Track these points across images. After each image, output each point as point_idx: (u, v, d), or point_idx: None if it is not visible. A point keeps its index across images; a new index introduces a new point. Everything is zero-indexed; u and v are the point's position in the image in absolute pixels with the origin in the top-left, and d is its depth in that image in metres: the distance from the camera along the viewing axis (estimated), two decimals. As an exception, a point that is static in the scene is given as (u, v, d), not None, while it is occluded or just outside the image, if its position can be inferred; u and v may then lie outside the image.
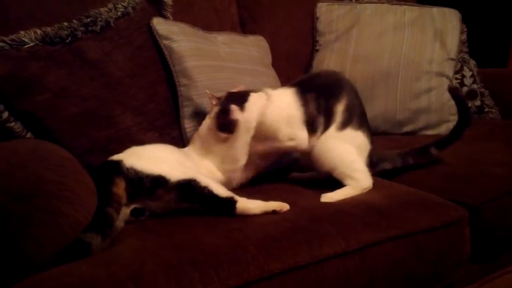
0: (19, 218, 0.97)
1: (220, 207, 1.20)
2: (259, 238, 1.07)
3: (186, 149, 1.48)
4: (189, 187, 1.20)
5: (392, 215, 1.21)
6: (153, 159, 1.27)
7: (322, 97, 1.36)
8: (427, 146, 1.51)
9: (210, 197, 1.20)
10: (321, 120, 1.36)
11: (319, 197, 1.30)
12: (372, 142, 1.41)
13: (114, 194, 1.14)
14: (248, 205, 1.20)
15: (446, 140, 1.50)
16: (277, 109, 1.37)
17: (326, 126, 1.36)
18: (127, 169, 1.19)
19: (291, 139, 1.37)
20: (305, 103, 1.36)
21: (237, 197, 1.21)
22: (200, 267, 0.96)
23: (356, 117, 1.37)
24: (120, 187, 1.17)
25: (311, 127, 1.36)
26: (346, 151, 1.35)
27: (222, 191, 1.22)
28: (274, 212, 1.21)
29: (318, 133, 1.36)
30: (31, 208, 0.98)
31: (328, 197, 1.29)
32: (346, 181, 1.34)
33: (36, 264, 0.96)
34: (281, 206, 1.22)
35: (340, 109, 1.35)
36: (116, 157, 1.26)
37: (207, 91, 1.49)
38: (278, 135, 1.37)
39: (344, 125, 1.35)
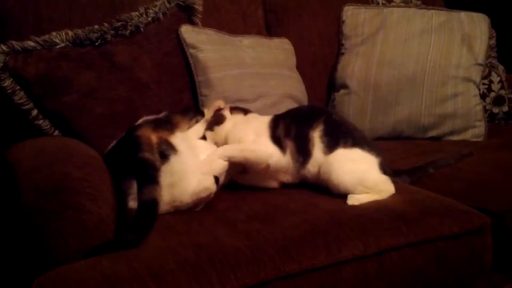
0: (46, 213, 1.01)
1: None
2: (278, 239, 1.08)
3: None
4: None
5: (413, 220, 1.20)
6: None
7: (294, 124, 1.38)
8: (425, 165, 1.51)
9: None
10: (289, 143, 1.36)
11: (341, 199, 1.30)
12: (380, 155, 1.37)
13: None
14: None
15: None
16: (244, 124, 1.43)
17: (304, 152, 1.35)
18: None
19: (258, 144, 1.38)
20: (274, 126, 1.39)
21: None
22: (218, 266, 0.97)
23: (344, 138, 1.34)
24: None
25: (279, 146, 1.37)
26: (350, 171, 1.31)
27: None
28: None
29: (287, 154, 1.36)
30: (57, 204, 1.02)
31: (355, 199, 1.28)
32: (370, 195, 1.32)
33: (60, 259, 0.99)
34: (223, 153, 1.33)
35: (316, 135, 1.35)
36: None
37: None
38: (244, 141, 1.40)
39: (330, 148, 1.33)
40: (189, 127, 1.44)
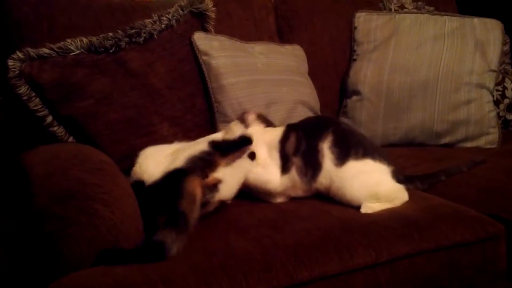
0: (59, 219, 1.02)
1: (241, 144, 1.32)
2: (290, 246, 1.08)
3: None
4: (218, 145, 1.28)
5: (426, 228, 1.19)
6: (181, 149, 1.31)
7: (303, 137, 1.37)
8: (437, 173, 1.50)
9: (232, 143, 1.32)
10: (296, 161, 1.35)
11: (351, 208, 1.30)
12: (391, 163, 1.37)
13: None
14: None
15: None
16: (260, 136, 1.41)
17: (314, 166, 1.34)
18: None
19: (262, 166, 1.37)
20: (284, 141, 1.39)
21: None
22: (229, 271, 0.98)
23: (355, 149, 1.33)
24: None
25: (283, 166, 1.37)
26: (362, 186, 1.31)
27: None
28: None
29: (292, 172, 1.35)
30: (71, 210, 1.03)
31: (369, 207, 1.28)
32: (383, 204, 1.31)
33: (73, 264, 0.99)
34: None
35: (325, 146, 1.34)
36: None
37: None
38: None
39: (341, 159, 1.32)
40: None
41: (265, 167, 1.38)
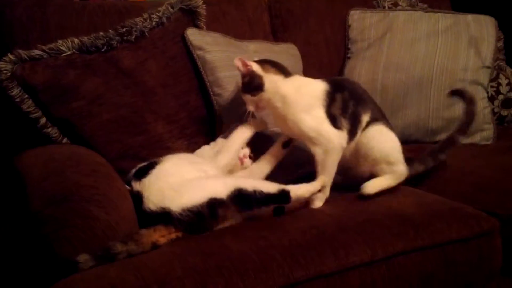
0: (54, 221, 1.02)
1: (277, 201, 1.22)
2: (286, 246, 1.08)
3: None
4: (241, 198, 1.18)
5: (421, 224, 1.20)
6: (191, 183, 1.21)
7: (351, 102, 1.37)
8: (451, 136, 1.55)
9: (265, 198, 1.20)
10: (344, 123, 1.35)
11: (346, 205, 1.30)
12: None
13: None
14: (299, 192, 1.23)
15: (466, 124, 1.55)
16: (295, 92, 1.35)
17: (352, 133, 1.36)
18: (180, 213, 1.14)
19: (318, 133, 1.32)
20: (330, 100, 1.35)
21: (286, 187, 1.23)
22: (225, 273, 0.97)
23: (385, 121, 1.41)
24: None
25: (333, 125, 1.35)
26: (392, 141, 1.40)
27: (271, 188, 1.22)
28: (322, 188, 1.27)
29: (343, 134, 1.35)
30: (66, 212, 1.03)
31: (370, 187, 1.33)
32: (387, 173, 1.37)
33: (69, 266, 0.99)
34: (323, 180, 1.28)
35: (365, 119, 1.37)
36: (155, 202, 1.17)
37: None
38: (301, 126, 1.33)
39: (374, 123, 1.38)
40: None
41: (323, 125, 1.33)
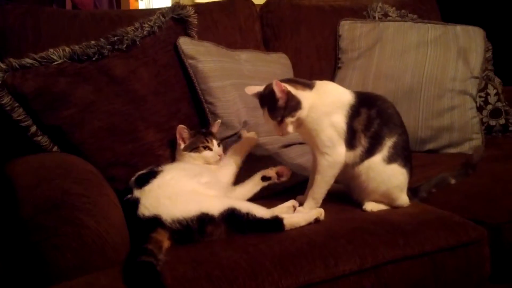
0: (44, 229, 1.01)
1: (269, 228, 1.21)
2: (276, 254, 1.08)
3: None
4: (233, 218, 1.19)
5: (410, 233, 1.21)
6: (187, 196, 1.24)
7: (377, 121, 1.34)
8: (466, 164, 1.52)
9: (257, 222, 1.20)
10: (362, 140, 1.33)
11: (337, 213, 1.31)
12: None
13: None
14: (293, 220, 1.23)
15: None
16: (322, 101, 1.35)
17: (370, 153, 1.33)
18: (170, 223, 1.15)
19: (328, 146, 1.33)
20: (354, 113, 1.34)
21: (281, 215, 1.23)
22: (216, 281, 0.98)
23: (402, 157, 1.36)
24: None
25: (349, 143, 1.34)
26: (397, 180, 1.36)
27: (264, 213, 1.22)
28: (316, 220, 1.25)
29: (357, 152, 1.33)
30: (56, 220, 1.02)
31: (374, 206, 1.36)
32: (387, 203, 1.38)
33: (59, 274, 0.99)
34: (320, 212, 1.27)
35: (389, 143, 1.34)
36: (149, 208, 1.19)
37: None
38: (320, 135, 1.33)
39: (390, 160, 1.33)
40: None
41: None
